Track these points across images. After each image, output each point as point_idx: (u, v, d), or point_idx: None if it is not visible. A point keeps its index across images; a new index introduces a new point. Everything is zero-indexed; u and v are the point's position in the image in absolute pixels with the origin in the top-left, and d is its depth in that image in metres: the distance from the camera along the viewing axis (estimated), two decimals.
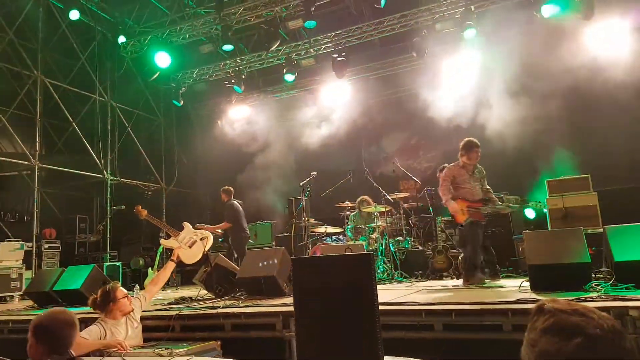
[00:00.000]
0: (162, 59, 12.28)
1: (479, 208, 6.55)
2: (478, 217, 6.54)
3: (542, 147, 9.90)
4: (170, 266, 5.50)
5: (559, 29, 10.19)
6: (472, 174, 6.75)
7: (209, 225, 8.37)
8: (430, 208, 9.15)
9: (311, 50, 12.77)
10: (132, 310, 4.48)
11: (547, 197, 8.30)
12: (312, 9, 10.56)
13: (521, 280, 5.63)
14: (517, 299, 4.35)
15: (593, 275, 5.08)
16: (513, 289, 5.38)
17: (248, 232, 9.45)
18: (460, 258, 8.06)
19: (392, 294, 5.54)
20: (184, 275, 11.23)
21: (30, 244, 10.73)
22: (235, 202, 9.36)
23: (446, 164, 7.97)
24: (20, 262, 10.09)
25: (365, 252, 7.47)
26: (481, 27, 10.55)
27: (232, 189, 9.62)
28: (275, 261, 6.23)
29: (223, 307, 5.23)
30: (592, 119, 9.85)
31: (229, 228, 9.09)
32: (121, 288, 4.48)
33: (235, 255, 8.85)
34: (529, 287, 5.08)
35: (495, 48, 10.39)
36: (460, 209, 6.51)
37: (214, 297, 6.64)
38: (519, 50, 10.12)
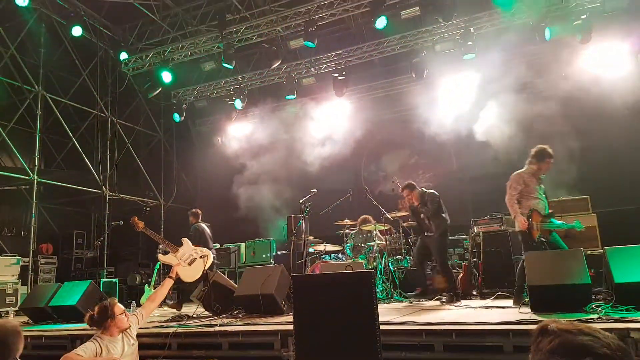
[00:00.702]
0: (166, 78, 12.36)
1: (549, 224, 6.00)
2: (545, 233, 6.01)
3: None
4: (168, 283, 5.38)
5: (560, 50, 10.31)
6: (540, 186, 6.21)
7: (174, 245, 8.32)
8: None
9: (312, 69, 12.88)
10: (129, 327, 4.42)
11: None
12: (313, 29, 10.69)
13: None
14: (518, 320, 4.32)
15: (593, 297, 5.05)
16: (513, 309, 5.34)
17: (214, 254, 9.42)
18: (460, 278, 8.04)
19: (391, 313, 5.49)
20: (181, 292, 11.14)
21: (26, 259, 10.66)
22: (202, 224, 9.25)
23: (412, 182, 7.87)
24: (16, 277, 10.02)
25: (366, 270, 7.44)
26: (480, 48, 10.66)
27: (199, 211, 9.44)
28: (274, 279, 6.19)
29: (221, 325, 5.18)
30: (592, 140, 9.88)
31: None
32: (119, 304, 4.43)
33: None
34: (529, 308, 5.05)
35: (495, 68, 10.47)
36: (535, 224, 5.97)
37: (211, 314, 6.58)
38: (519, 70, 10.22)
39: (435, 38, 11.31)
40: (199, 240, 8.92)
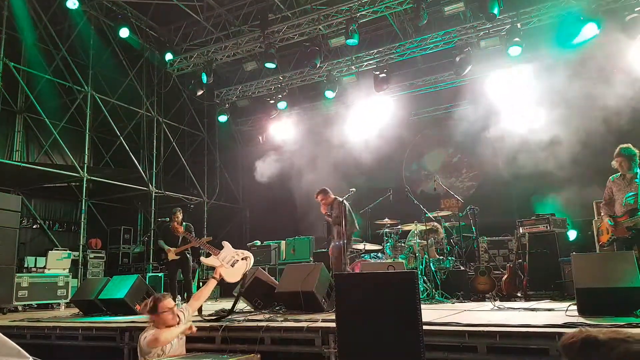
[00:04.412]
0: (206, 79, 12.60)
1: (622, 222, 5.90)
2: (619, 234, 5.92)
3: (594, 166, 9.56)
4: (212, 283, 5.61)
5: (611, 45, 9.91)
6: (630, 184, 5.99)
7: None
8: (474, 227, 8.96)
9: (353, 67, 12.86)
10: (177, 324, 4.57)
11: (596, 218, 8.03)
12: (354, 27, 10.66)
13: (568, 303, 5.44)
14: (565, 323, 4.20)
15: None
16: (560, 312, 5.20)
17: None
18: (504, 279, 7.88)
19: (433, 314, 5.43)
20: (223, 287, 11.34)
21: (77, 254, 11.10)
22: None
23: (326, 188, 8.32)
24: (67, 270, 10.45)
25: (409, 270, 7.40)
26: (527, 44, 10.37)
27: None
28: (314, 277, 6.23)
29: (263, 321, 5.25)
30: None
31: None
32: (167, 300, 4.59)
33: None
34: (576, 311, 4.90)
35: (541, 65, 10.19)
36: (605, 229, 6.02)
37: (252, 310, 6.69)
38: (567, 67, 9.90)
39: (480, 34, 11.10)
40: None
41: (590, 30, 9.51)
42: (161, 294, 4.73)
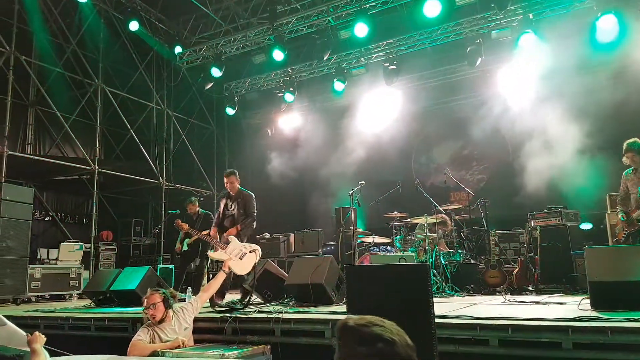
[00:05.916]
0: (215, 73, 12.60)
1: (633, 216, 5.92)
2: (632, 227, 5.94)
3: (607, 159, 9.45)
4: (222, 276, 5.76)
5: (624, 36, 9.76)
6: None
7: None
8: (484, 220, 8.89)
9: (362, 59, 12.78)
10: (160, 323, 4.59)
11: (609, 212, 7.95)
12: (364, 18, 10.57)
13: (580, 297, 5.40)
14: (578, 317, 4.17)
15: None
16: (572, 306, 5.15)
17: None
18: (515, 273, 7.83)
19: (444, 307, 5.42)
20: (232, 279, 11.39)
21: (88, 245, 11.19)
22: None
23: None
24: (79, 262, 10.56)
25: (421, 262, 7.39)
26: (539, 35, 10.23)
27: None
28: (324, 269, 6.24)
29: (273, 313, 5.26)
30: None
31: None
32: (154, 295, 4.63)
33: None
34: (589, 305, 4.85)
35: (554, 56, 10.05)
36: (621, 226, 6.03)
37: (262, 302, 6.72)
38: (580, 59, 9.77)
39: (491, 25, 10.98)
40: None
41: (606, 22, 9.37)
42: (150, 290, 4.79)
